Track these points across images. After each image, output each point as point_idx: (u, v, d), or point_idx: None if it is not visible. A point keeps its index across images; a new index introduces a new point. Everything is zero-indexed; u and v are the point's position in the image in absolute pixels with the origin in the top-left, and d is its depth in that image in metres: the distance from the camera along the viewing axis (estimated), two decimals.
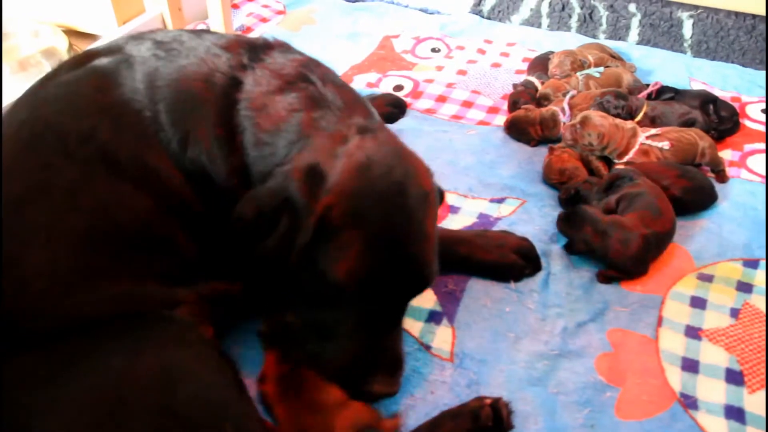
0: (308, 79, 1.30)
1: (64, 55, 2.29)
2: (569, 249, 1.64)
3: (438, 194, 1.29)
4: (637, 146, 1.84)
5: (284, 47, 1.40)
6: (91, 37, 2.48)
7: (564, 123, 1.98)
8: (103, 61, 1.29)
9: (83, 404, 0.95)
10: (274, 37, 1.45)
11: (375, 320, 1.20)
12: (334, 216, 1.12)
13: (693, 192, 1.75)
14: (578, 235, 1.59)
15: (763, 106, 2.20)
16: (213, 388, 1.04)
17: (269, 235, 1.16)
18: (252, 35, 2.60)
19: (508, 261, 1.57)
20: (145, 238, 1.20)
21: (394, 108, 2.16)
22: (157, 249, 1.22)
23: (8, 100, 1.88)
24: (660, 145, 1.84)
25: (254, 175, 1.24)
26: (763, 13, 2.34)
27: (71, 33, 2.45)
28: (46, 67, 2.19)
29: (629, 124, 1.89)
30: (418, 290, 1.24)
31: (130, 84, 1.25)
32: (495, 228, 1.71)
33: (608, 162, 1.89)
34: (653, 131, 1.88)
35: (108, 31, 2.40)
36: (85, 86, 1.26)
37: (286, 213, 1.14)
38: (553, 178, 1.84)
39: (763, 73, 2.36)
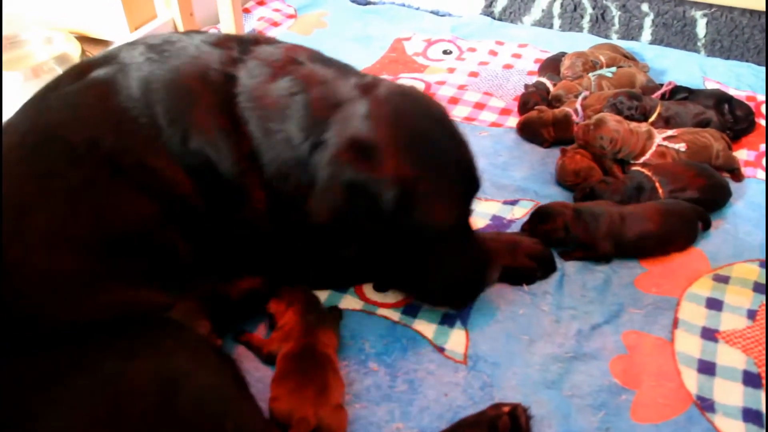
0: (297, 61, 1.34)
1: (77, 62, 2.30)
2: (564, 256, 1.63)
3: None
4: (653, 148, 1.82)
5: (271, 40, 1.44)
6: (103, 43, 2.49)
7: (577, 124, 1.96)
8: (100, 72, 1.31)
9: (82, 408, 0.95)
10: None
11: (464, 232, 1.36)
12: (403, 173, 1.20)
13: (710, 190, 1.74)
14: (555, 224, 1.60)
15: None
16: (212, 389, 1.05)
17: (347, 226, 1.24)
18: None
19: (520, 264, 1.56)
20: (145, 244, 1.22)
21: None
22: (155, 255, 1.23)
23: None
24: (677, 147, 1.82)
25: (265, 162, 1.28)
26: None
27: (84, 39, 2.47)
28: (59, 74, 2.20)
29: (644, 127, 1.87)
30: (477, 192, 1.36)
31: (126, 91, 1.27)
32: (508, 230, 1.71)
33: (622, 162, 1.88)
34: (669, 133, 1.86)
35: (120, 37, 2.41)
36: (86, 97, 1.28)
37: (356, 197, 1.20)
38: (569, 180, 1.83)
39: None
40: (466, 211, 1.36)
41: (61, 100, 1.29)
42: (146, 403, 0.97)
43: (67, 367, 0.98)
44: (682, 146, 1.82)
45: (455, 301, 1.43)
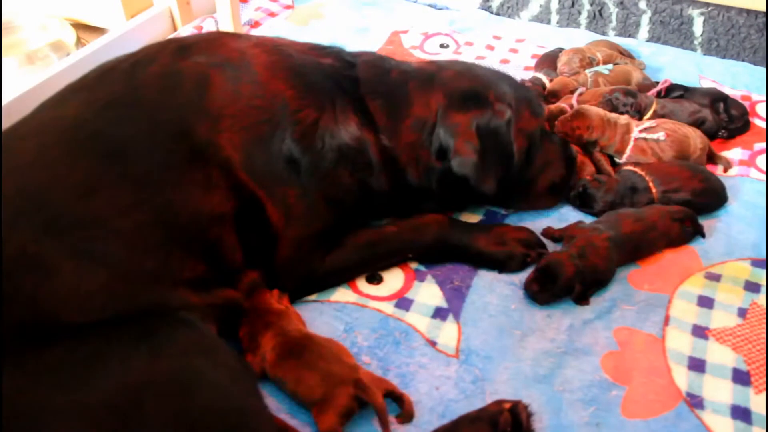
0: (385, 59, 1.63)
1: (72, 49, 2.29)
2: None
3: None
4: (632, 142, 1.82)
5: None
6: (99, 30, 2.48)
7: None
8: (200, 58, 1.32)
9: (101, 405, 0.93)
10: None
11: (546, 138, 1.71)
12: (506, 102, 1.56)
13: (704, 194, 1.73)
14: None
15: None
16: (231, 396, 1.03)
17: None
18: (260, 30, 2.60)
19: (509, 248, 1.57)
20: (197, 239, 1.22)
21: None
22: (204, 251, 1.24)
23: (16, 93, 1.88)
24: (655, 137, 1.81)
25: (392, 141, 1.52)
26: None
27: (79, 26, 2.46)
28: (53, 61, 2.19)
29: (623, 120, 1.86)
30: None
31: (234, 83, 1.30)
32: None
33: (614, 162, 1.87)
34: (647, 124, 1.85)
35: (116, 25, 2.40)
36: (188, 83, 1.28)
37: (485, 133, 1.50)
38: None
39: None
40: (542, 121, 1.68)
41: (157, 79, 1.28)
42: (165, 406, 0.96)
43: (93, 361, 0.97)
44: (661, 135, 1.80)
45: (555, 195, 1.73)
